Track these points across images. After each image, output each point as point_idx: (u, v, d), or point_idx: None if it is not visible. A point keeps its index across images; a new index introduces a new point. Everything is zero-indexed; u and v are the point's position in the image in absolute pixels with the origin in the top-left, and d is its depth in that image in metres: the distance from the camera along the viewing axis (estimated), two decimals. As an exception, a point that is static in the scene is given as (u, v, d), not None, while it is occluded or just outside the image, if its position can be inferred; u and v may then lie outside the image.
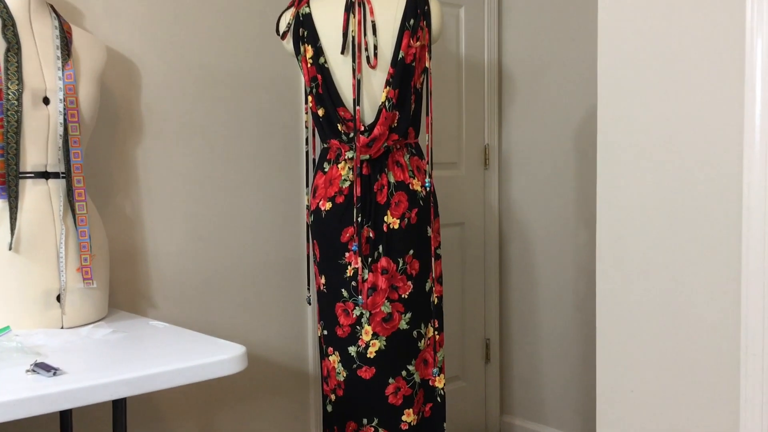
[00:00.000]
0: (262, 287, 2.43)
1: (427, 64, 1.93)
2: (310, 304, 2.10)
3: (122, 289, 2.15)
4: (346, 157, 1.95)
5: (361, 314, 1.94)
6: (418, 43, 1.89)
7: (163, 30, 2.20)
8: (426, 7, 1.92)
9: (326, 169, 2.00)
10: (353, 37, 1.90)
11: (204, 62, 2.28)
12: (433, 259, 1.99)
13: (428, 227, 1.98)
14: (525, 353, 3.10)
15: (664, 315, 1.65)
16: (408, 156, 1.98)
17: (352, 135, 1.93)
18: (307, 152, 2.10)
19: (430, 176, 2.00)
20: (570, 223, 2.87)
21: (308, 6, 1.96)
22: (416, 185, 1.96)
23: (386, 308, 1.93)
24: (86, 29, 2.05)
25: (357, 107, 1.90)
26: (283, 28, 1.95)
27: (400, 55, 1.89)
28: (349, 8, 1.91)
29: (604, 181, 1.75)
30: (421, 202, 1.96)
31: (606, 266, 1.75)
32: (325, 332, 2.03)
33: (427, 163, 1.98)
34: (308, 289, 2.09)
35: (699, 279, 1.58)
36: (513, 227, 3.11)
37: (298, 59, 1.99)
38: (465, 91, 3.00)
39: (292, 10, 1.97)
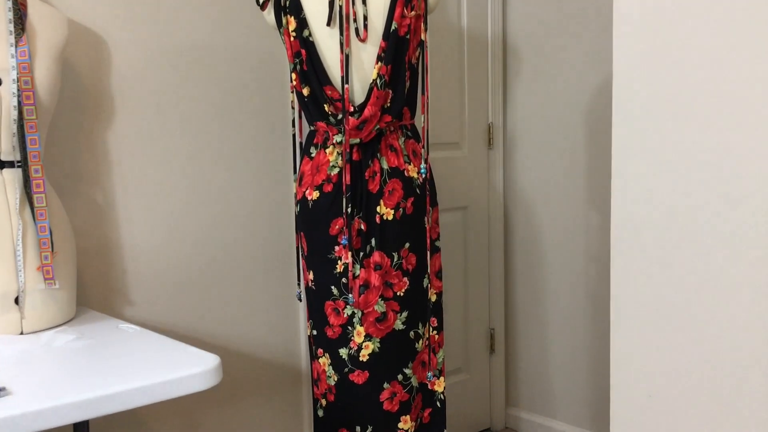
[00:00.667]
0: (250, 281, 2.26)
1: (423, 37, 1.74)
2: (300, 300, 1.93)
3: (95, 286, 1.98)
4: (334, 141, 1.77)
5: (353, 314, 1.77)
6: (413, 12, 1.70)
7: (132, 1, 2.01)
8: (421, -25, 1.73)
9: (313, 155, 1.82)
10: (340, 7, 1.71)
11: (180, 36, 2.09)
12: (430, 252, 1.81)
13: (426, 217, 1.80)
14: (532, 344, 2.93)
15: (689, 312, 1.47)
16: (403, 139, 1.80)
17: (340, 116, 1.74)
18: (293, 135, 1.92)
19: (427, 161, 1.82)
20: (580, 207, 2.69)
21: (292, -27, 1.76)
22: (412, 171, 1.78)
23: (380, 307, 1.76)
24: (45, 0, 1.85)
25: (345, 85, 1.71)
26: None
27: (393, 27, 1.70)
28: (336, -24, 1.71)
29: (619, 159, 1.55)
30: (417, 190, 1.78)
31: (621, 255, 1.56)
32: (315, 332, 1.86)
33: (423, 147, 1.79)
34: (298, 284, 1.92)
35: (731, 272, 1.40)
36: (519, 211, 2.92)
37: (280, 32, 1.80)
38: (467, 66, 2.80)
39: (274, -24, 1.77)
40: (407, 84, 1.76)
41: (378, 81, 1.70)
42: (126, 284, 2.04)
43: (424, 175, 1.78)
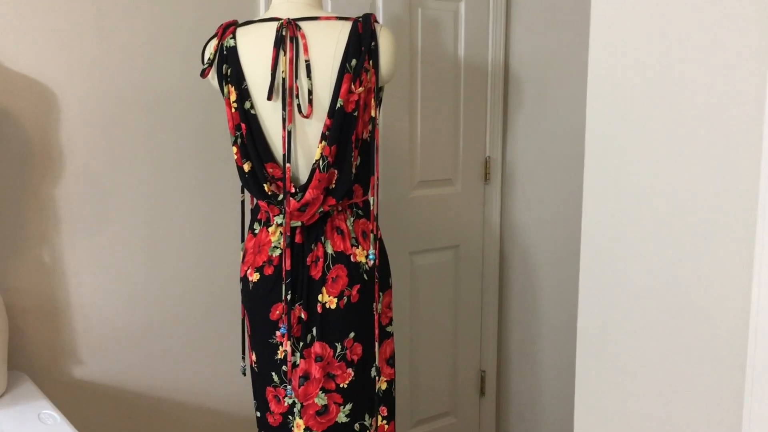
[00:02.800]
0: (203, 338, 2.16)
1: (373, 113, 1.58)
2: (244, 375, 1.82)
3: (42, 347, 1.91)
4: (274, 222, 1.64)
5: (294, 403, 1.66)
6: (361, 88, 1.54)
7: (82, 47, 1.89)
8: (372, 43, 1.56)
9: (256, 231, 1.70)
10: (283, 80, 1.56)
11: (133, 83, 1.97)
12: (378, 342, 1.68)
13: (374, 304, 1.67)
14: (524, 387, 2.79)
15: (662, 323, 1.29)
16: (352, 219, 1.66)
17: (281, 197, 1.61)
18: (242, 202, 1.79)
19: (377, 243, 1.68)
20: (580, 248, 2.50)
21: (234, 37, 1.61)
22: (360, 256, 1.64)
23: (320, 400, 1.65)
24: (-11, 54, 1.75)
25: (287, 164, 1.57)
26: (205, 62, 1.62)
27: (339, 104, 1.54)
28: (279, 43, 1.56)
29: (592, 160, 1.34)
30: (365, 275, 1.64)
31: (590, 261, 1.38)
32: (258, 414, 1.76)
33: (372, 231, 1.64)
34: (242, 357, 1.81)
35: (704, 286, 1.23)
36: (515, 250, 2.76)
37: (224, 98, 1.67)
38: (464, 97, 2.62)
39: (215, 41, 1.63)
40: (356, 162, 1.61)
41: (320, 162, 1.56)
42: (75, 344, 1.97)
43: (372, 261, 1.64)
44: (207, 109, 2.07)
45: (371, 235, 1.64)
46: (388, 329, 1.73)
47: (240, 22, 1.67)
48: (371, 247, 1.64)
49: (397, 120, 2.45)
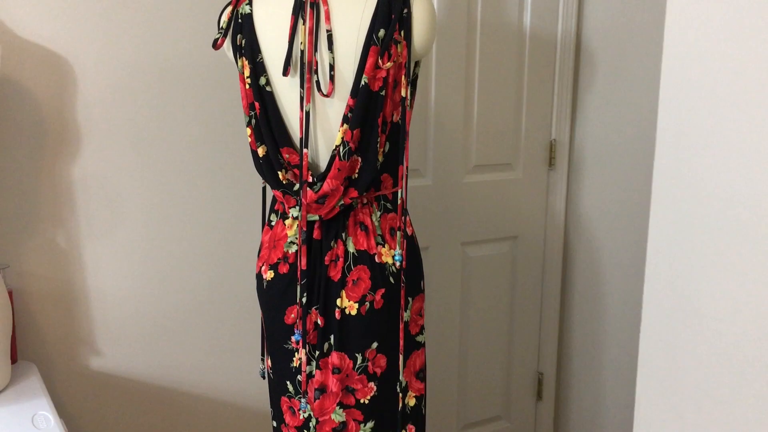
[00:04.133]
0: (227, 331, 2.01)
1: (403, 92, 1.36)
2: (263, 378, 1.66)
3: (56, 336, 1.80)
4: (290, 214, 1.45)
5: (309, 417, 1.48)
6: (390, 63, 1.32)
7: (101, 12, 1.74)
8: (405, 10, 1.34)
9: (273, 223, 1.51)
10: (302, 52, 1.36)
11: (156, 54, 1.81)
12: (404, 353, 1.48)
13: (402, 311, 1.46)
14: (586, 391, 2.54)
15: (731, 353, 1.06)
16: (379, 214, 1.45)
17: (297, 187, 1.42)
18: (263, 188, 1.61)
19: (406, 242, 1.46)
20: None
21: (249, 3, 1.42)
22: (386, 256, 1.44)
23: (338, 416, 1.46)
24: (0, 20, 1.62)
25: (304, 150, 1.38)
26: (224, 33, 1.43)
27: (363, 81, 1.33)
28: (298, 10, 1.35)
29: (663, 148, 1.10)
30: (391, 279, 1.44)
31: (657, 271, 1.15)
32: (274, 423, 1.59)
33: (399, 228, 1.43)
34: (262, 359, 1.65)
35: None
36: (581, 243, 2.49)
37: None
38: (528, 72, 2.36)
39: (230, 8, 1.44)
40: (384, 148, 1.40)
41: (341, 148, 1.36)
42: (92, 333, 1.85)
43: (399, 263, 1.43)
44: (235, 83, 1.89)
45: (399, 233, 1.43)
46: (419, 339, 1.52)
47: (260, -14, 1.47)
48: (398, 247, 1.42)
49: (450, 97, 2.21)
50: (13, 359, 1.71)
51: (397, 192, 1.46)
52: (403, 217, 1.44)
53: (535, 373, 2.61)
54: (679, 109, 1.03)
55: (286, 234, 1.46)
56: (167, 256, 1.90)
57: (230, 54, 1.47)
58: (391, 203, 1.46)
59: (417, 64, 1.45)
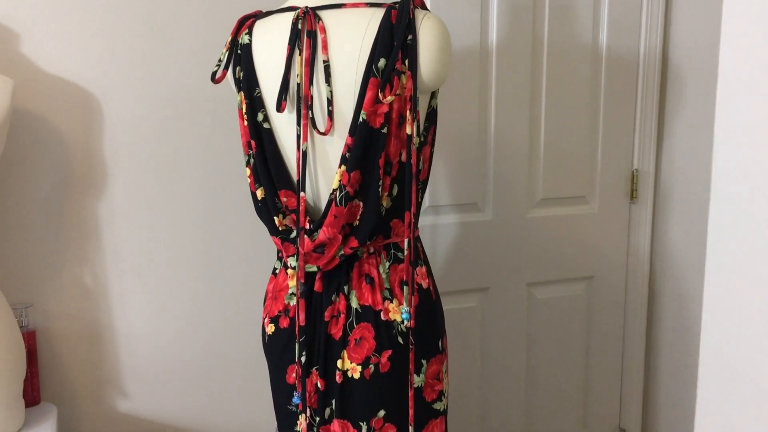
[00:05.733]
0: (261, 371, 1.90)
1: (409, 130, 1.19)
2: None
3: (82, 377, 1.75)
4: (289, 264, 1.31)
5: (314, 487, 1.33)
6: (391, 96, 1.16)
7: (129, 47, 1.69)
8: (409, 37, 1.17)
9: (277, 271, 1.38)
10: (298, 85, 1.22)
11: (185, 86, 1.74)
12: (415, 424, 1.30)
13: (414, 374, 1.29)
14: (675, 456, 2.24)
15: None
16: (388, 264, 1.28)
17: (293, 234, 1.28)
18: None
19: (420, 294, 1.29)
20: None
21: (249, 33, 1.30)
22: (394, 312, 1.27)
23: (340, 492, 1.30)
24: (23, 54, 1.60)
25: (302, 193, 1.24)
26: (222, 65, 1.32)
27: (362, 117, 1.18)
28: (294, 39, 1.22)
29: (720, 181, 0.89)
30: (399, 338, 1.27)
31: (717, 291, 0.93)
32: (285, 487, 1.45)
33: (408, 281, 1.25)
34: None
35: None
36: (669, 283, 2.21)
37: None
38: (605, 95, 2.12)
39: (229, 38, 1.32)
40: (390, 191, 1.23)
41: (338, 193, 1.20)
42: (119, 374, 1.79)
43: (407, 321, 1.26)
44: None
45: (407, 288, 1.25)
46: (436, 406, 1.33)
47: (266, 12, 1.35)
48: (405, 303, 1.25)
49: (513, 123, 2.01)
50: (35, 401, 1.67)
51: (411, 239, 1.29)
52: (414, 269, 1.26)
53: (617, 429, 2.33)
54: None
55: (287, 285, 1.33)
56: (197, 294, 1.81)
57: (234, 87, 1.36)
58: (402, 252, 1.29)
59: (433, 95, 1.28)
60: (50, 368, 1.72)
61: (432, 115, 1.29)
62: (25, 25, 1.60)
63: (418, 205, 1.29)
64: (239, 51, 1.30)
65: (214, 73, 1.30)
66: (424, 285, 1.31)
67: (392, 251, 1.28)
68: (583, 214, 2.16)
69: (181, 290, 1.80)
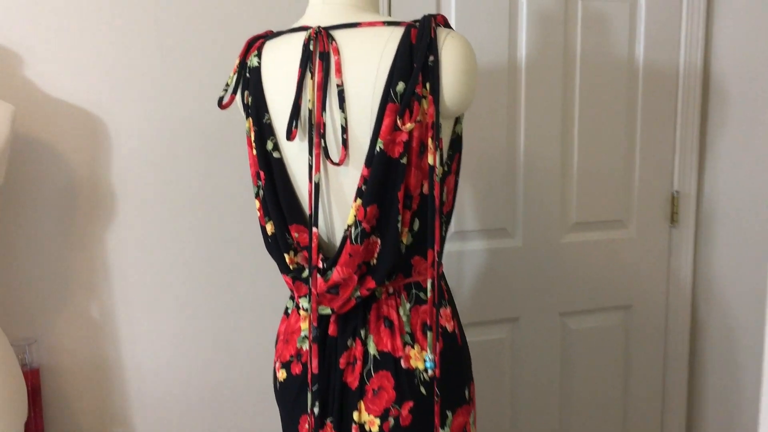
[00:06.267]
0: (267, 414, 1.79)
1: (431, 160, 1.07)
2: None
3: (89, 414, 1.66)
4: (301, 305, 1.21)
5: None
6: (411, 123, 1.05)
7: (137, 71, 1.60)
8: (431, 58, 1.06)
9: (289, 311, 1.28)
10: (310, 111, 1.12)
11: (195, 112, 1.65)
12: (441, 483, 1.18)
13: (440, 427, 1.17)
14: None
15: None
16: (409, 306, 1.17)
17: (306, 273, 1.17)
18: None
19: (444, 339, 1.17)
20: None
21: (258, 55, 1.20)
22: (415, 359, 1.15)
23: None
24: (27, 78, 1.52)
25: (314, 229, 1.13)
26: (229, 90, 1.22)
27: (378, 146, 1.07)
28: (305, 62, 1.12)
29: None
30: (421, 389, 1.15)
31: None
32: None
33: (431, 327, 1.13)
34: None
35: None
36: (714, 313, 2.06)
37: (254, 135, 1.26)
38: (642, 113, 1.99)
39: (237, 61, 1.23)
40: (411, 227, 1.12)
41: (353, 229, 1.10)
42: (127, 412, 1.69)
43: (431, 371, 1.14)
44: (283, 138, 1.69)
45: (430, 333, 1.14)
46: (463, 462, 1.21)
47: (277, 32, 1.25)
48: (429, 350, 1.13)
49: (544, 144, 1.90)
50: (39, 442, 1.58)
51: (435, 278, 1.18)
52: (438, 311, 1.15)
53: (657, 467, 2.18)
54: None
55: (300, 327, 1.22)
56: (208, 329, 1.72)
57: (242, 113, 1.26)
58: (425, 292, 1.18)
59: (458, 120, 1.17)
60: (55, 407, 1.63)
61: (456, 141, 1.18)
62: (28, 49, 1.53)
63: (442, 240, 1.18)
64: (248, 74, 1.20)
65: (221, 98, 1.20)
66: (449, 328, 1.19)
67: (413, 291, 1.17)
68: (620, 239, 2.03)
69: (193, 325, 1.70)
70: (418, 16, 1.75)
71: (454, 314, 1.22)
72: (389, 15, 1.74)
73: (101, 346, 1.65)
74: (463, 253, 1.89)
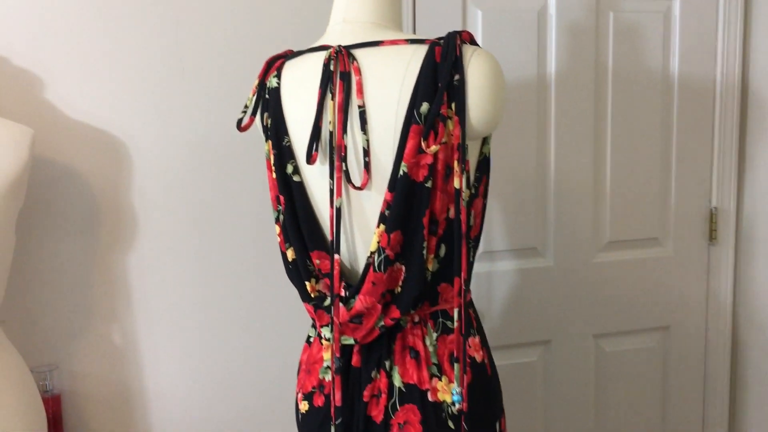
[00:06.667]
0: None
1: (457, 183, 1.02)
2: None
3: (109, 443, 1.63)
4: (323, 334, 1.16)
5: None
6: (436, 146, 1.00)
7: (159, 91, 1.58)
8: (456, 77, 1.01)
9: (311, 339, 1.23)
10: (331, 134, 1.08)
11: (219, 133, 1.62)
12: None
13: (468, 464, 1.11)
14: None
15: None
16: (435, 336, 1.12)
17: (328, 302, 1.12)
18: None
19: (473, 370, 1.12)
20: None
21: (278, 75, 1.17)
22: (443, 392, 1.10)
23: None
24: (48, 101, 1.50)
25: (336, 256, 1.08)
26: (248, 111, 1.19)
27: (402, 170, 1.02)
28: (326, 82, 1.08)
29: None
30: (450, 423, 1.10)
31: None
32: None
33: (458, 357, 1.08)
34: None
35: None
36: (756, 334, 1.98)
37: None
38: (677, 125, 1.92)
39: (256, 82, 1.19)
40: (437, 253, 1.07)
41: (376, 257, 1.05)
42: (150, 440, 1.66)
43: (458, 404, 1.08)
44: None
45: (458, 365, 1.08)
46: (493, 499, 1.15)
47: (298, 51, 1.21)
48: (457, 383, 1.08)
49: (575, 160, 1.84)
50: (60, 470, 1.56)
51: (462, 305, 1.12)
52: (466, 341, 1.10)
53: (698, 495, 2.09)
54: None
55: (322, 357, 1.17)
56: (232, 355, 1.68)
57: (262, 135, 1.22)
58: (452, 321, 1.13)
59: (485, 141, 1.12)
60: (76, 434, 1.60)
61: (484, 163, 1.13)
62: (48, 71, 1.51)
63: (470, 266, 1.13)
64: (267, 95, 1.17)
65: (239, 121, 1.16)
66: (478, 358, 1.14)
67: (440, 320, 1.12)
68: (657, 258, 1.95)
69: (216, 351, 1.67)
70: (444, 32, 1.70)
71: (483, 343, 1.17)
72: (414, 32, 1.70)
73: (123, 372, 1.62)
74: (492, 274, 1.83)
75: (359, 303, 1.06)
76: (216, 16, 1.59)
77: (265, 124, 1.17)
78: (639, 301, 1.95)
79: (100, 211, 1.57)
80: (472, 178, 1.10)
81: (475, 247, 1.16)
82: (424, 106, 1.01)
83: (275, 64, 1.18)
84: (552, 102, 1.81)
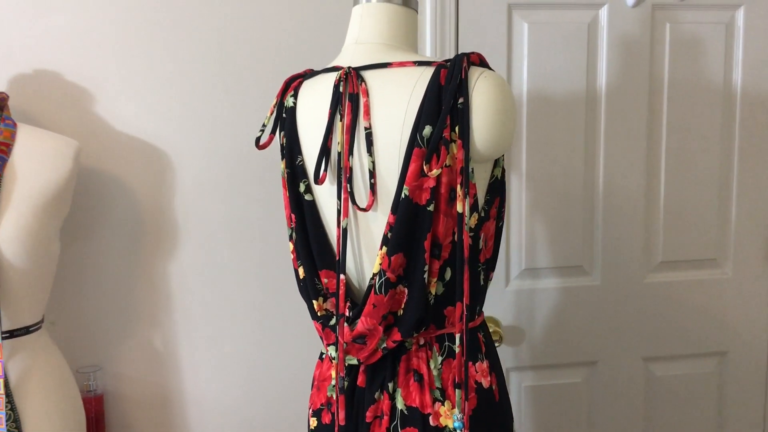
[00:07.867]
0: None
1: (460, 207, 1.01)
2: None
3: (149, 443, 1.69)
4: (329, 353, 1.17)
5: None
6: (438, 169, 0.99)
7: (202, 103, 1.63)
8: (460, 100, 1.00)
9: (323, 356, 1.24)
10: (339, 154, 1.08)
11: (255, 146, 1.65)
12: None
13: (472, 491, 1.09)
14: None
15: None
16: (440, 359, 1.10)
17: (333, 321, 1.13)
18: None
19: (479, 395, 1.10)
20: None
21: (295, 95, 1.18)
22: (445, 417, 1.08)
23: None
24: (97, 114, 1.58)
25: (341, 276, 1.09)
26: (267, 130, 1.21)
27: (404, 192, 1.02)
28: (336, 104, 1.09)
29: None
30: (453, 449, 1.08)
31: None
32: None
33: (458, 384, 1.06)
34: None
35: None
36: (823, 367, 1.85)
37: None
38: (740, 141, 1.82)
39: (275, 101, 1.21)
40: (441, 276, 1.06)
41: (377, 279, 1.04)
42: (188, 442, 1.71)
43: (459, 430, 1.06)
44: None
45: (459, 391, 1.06)
46: None
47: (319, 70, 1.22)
48: (458, 409, 1.06)
49: (626, 175, 1.77)
50: (101, 467, 1.63)
51: (469, 328, 1.11)
52: (471, 364, 1.08)
53: None
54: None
55: (330, 375, 1.18)
56: (268, 361, 1.71)
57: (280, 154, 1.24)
58: (459, 341, 1.11)
59: (497, 163, 1.10)
60: (118, 433, 1.67)
61: (496, 185, 1.10)
62: (97, 85, 1.58)
63: (481, 290, 1.11)
64: (284, 114, 1.18)
65: (258, 138, 1.18)
66: (485, 383, 1.11)
67: (446, 343, 1.10)
68: (713, 280, 1.86)
69: (253, 357, 1.70)
70: (487, 48, 1.68)
71: (493, 368, 1.14)
72: (457, 47, 1.68)
73: (164, 376, 1.68)
74: (535, 291, 1.79)
75: (361, 324, 1.06)
76: (259, 33, 1.62)
77: (281, 142, 1.19)
78: (694, 324, 1.86)
79: (143, 220, 1.63)
80: (481, 201, 1.08)
81: (489, 269, 1.14)
82: (427, 129, 1.00)
83: (293, 83, 1.20)
84: (602, 116, 1.75)
